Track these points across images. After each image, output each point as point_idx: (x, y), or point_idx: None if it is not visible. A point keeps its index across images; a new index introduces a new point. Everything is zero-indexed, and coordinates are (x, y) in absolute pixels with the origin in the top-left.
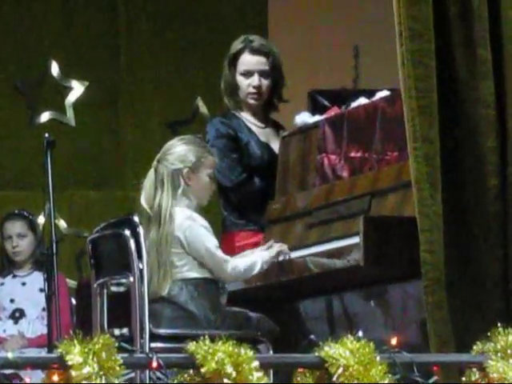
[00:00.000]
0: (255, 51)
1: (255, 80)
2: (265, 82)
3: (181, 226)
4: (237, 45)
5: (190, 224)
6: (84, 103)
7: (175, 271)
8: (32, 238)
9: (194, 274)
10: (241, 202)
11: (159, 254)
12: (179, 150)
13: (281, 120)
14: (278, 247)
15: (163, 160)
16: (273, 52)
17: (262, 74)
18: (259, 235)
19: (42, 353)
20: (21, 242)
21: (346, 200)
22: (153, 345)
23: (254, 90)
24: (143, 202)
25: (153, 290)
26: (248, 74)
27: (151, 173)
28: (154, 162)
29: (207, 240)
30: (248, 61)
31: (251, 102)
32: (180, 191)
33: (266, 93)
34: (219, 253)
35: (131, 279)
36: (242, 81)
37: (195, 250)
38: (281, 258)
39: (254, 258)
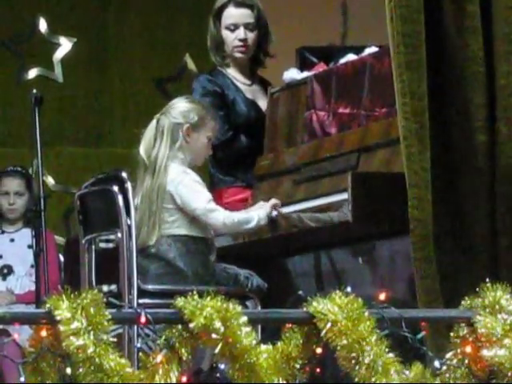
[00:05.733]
0: (239, 4)
1: (241, 33)
2: (250, 35)
3: (173, 181)
4: (221, 0)
5: (182, 178)
6: (72, 60)
7: (165, 227)
8: (28, 196)
9: (184, 231)
10: (228, 160)
11: (151, 203)
12: (183, 106)
13: (269, 77)
14: (272, 201)
15: (166, 113)
16: (257, 5)
17: (247, 26)
18: (247, 192)
19: (31, 309)
20: (18, 200)
21: (334, 156)
22: (141, 301)
23: (240, 43)
24: (142, 151)
25: (141, 239)
26: (233, 27)
27: (153, 123)
28: (158, 115)
29: (199, 192)
30: (233, 14)
31: (238, 55)
32: (177, 145)
33: (253, 46)
34: (212, 204)
35: (119, 235)
36: (228, 35)
37: (187, 204)
38: (274, 214)
39: (250, 213)
